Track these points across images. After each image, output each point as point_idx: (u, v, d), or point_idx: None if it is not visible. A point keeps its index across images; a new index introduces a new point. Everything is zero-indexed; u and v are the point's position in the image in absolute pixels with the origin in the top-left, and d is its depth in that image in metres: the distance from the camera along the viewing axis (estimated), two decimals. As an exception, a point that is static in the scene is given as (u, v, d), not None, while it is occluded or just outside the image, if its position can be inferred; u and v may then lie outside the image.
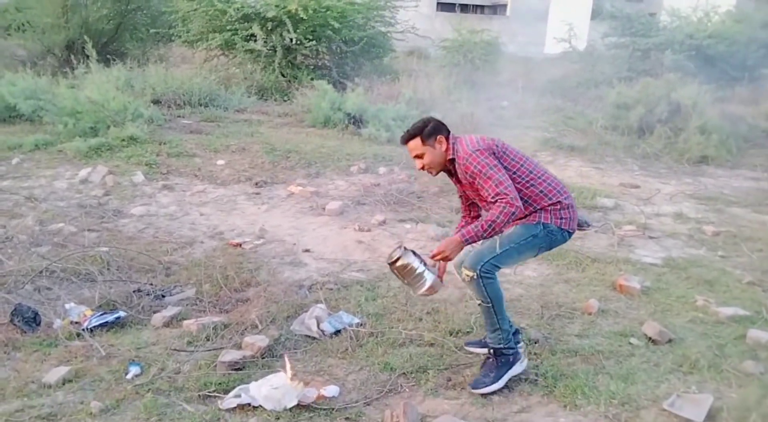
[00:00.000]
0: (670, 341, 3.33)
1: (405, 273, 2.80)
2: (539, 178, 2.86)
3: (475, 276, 2.75)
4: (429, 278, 2.79)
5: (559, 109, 10.24)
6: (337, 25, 10.10)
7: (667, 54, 12.11)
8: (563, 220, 2.89)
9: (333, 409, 2.65)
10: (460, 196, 3.09)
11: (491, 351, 2.89)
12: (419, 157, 2.89)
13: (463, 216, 3.13)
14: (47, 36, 10.99)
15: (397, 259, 2.78)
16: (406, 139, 2.91)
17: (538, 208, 2.86)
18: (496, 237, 2.79)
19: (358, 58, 11.22)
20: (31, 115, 7.21)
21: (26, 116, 7.25)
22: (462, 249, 2.77)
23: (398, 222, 5.19)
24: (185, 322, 3.35)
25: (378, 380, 2.87)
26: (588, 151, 7.87)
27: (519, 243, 2.82)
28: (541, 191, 2.84)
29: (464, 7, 36.55)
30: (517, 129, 9.20)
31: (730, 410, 2.67)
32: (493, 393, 2.80)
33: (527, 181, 2.84)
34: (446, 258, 2.77)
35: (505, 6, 34.91)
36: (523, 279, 4.13)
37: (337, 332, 3.31)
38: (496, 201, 2.69)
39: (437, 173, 2.98)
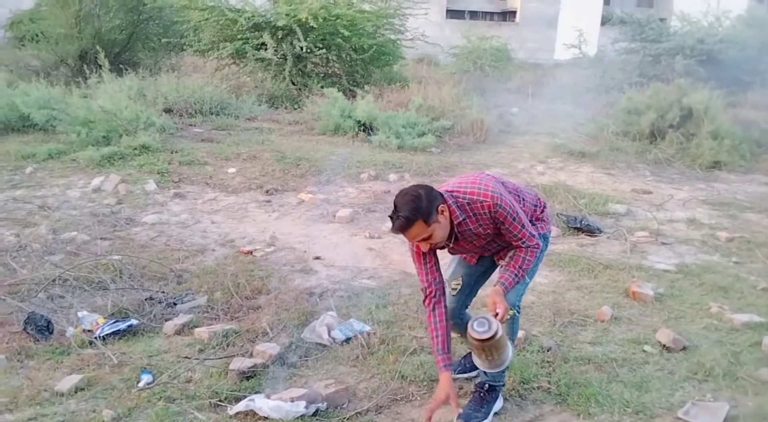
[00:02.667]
0: (684, 348, 3.29)
1: (497, 348, 2.42)
2: (523, 192, 2.72)
3: (516, 312, 2.66)
4: (510, 356, 2.51)
5: (569, 115, 10.21)
6: (347, 33, 10.14)
7: (678, 59, 12.05)
8: (548, 224, 2.84)
9: (344, 418, 2.64)
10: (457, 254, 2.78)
11: (486, 385, 2.70)
12: (426, 239, 2.42)
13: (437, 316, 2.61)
14: (60, 46, 11.10)
15: (495, 334, 2.35)
16: (404, 226, 2.34)
17: (534, 220, 2.74)
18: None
19: (368, 65, 11.25)
20: (45, 125, 7.28)
21: (40, 126, 7.32)
22: None
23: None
24: (197, 330, 3.36)
25: (389, 388, 2.86)
26: (599, 157, 7.84)
27: (536, 265, 2.69)
28: (532, 204, 2.73)
29: (473, 14, 36.59)
30: (527, 135, 9.19)
31: (746, 418, 2.64)
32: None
33: (521, 201, 2.68)
34: (507, 310, 2.49)
35: (514, 12, 34.93)
36: (535, 286, 4.10)
37: (348, 340, 3.31)
38: (528, 245, 2.56)
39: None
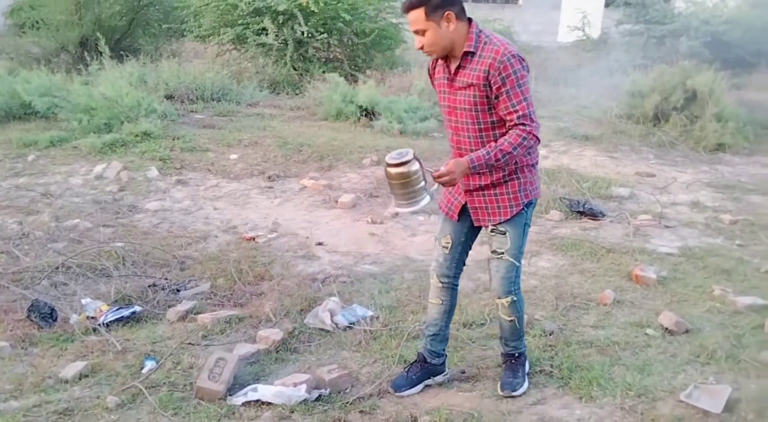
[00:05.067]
0: (687, 331, 3.29)
1: (404, 183, 2.40)
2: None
3: (514, 299, 2.67)
4: (426, 198, 2.44)
5: (573, 98, 10.13)
6: (348, 18, 10.05)
7: (683, 41, 11.91)
8: (537, 189, 2.63)
9: (347, 402, 2.66)
10: (449, 125, 2.58)
11: (514, 354, 2.81)
12: (419, 32, 2.40)
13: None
14: (61, 33, 11.04)
15: (404, 163, 2.37)
16: (408, 7, 2.38)
17: (519, 165, 2.52)
18: (507, 254, 2.59)
19: (370, 50, 11.16)
20: (46, 112, 7.26)
21: (41, 113, 7.30)
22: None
23: (411, 215, 5.17)
24: (200, 316, 3.37)
25: (392, 373, 2.87)
26: (603, 140, 7.79)
27: (522, 242, 2.63)
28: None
29: (476, -3, 36.33)
30: (530, 119, 9.12)
31: (749, 401, 2.64)
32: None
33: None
34: (450, 183, 2.43)
35: (517, -5, 34.62)
36: (538, 270, 4.10)
37: (351, 325, 3.32)
38: (521, 124, 2.36)
39: (438, 58, 2.52)
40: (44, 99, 7.25)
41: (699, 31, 12.13)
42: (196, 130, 7.24)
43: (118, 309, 3.40)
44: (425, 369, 2.80)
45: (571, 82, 11.31)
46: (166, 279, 3.89)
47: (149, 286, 3.76)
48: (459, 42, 2.42)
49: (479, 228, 2.71)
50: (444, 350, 2.85)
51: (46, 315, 3.26)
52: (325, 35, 10.23)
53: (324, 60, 10.94)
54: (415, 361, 2.85)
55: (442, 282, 2.77)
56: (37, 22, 11.91)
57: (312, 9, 9.79)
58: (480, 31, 2.43)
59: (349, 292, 3.73)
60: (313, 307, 3.49)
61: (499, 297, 2.69)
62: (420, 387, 2.78)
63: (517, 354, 2.82)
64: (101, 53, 8.68)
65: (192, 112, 8.14)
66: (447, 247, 2.73)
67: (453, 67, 2.48)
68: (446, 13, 2.35)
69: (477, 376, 2.88)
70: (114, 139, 6.43)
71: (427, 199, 2.45)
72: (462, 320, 3.36)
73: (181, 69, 8.95)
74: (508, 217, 2.56)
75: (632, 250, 4.48)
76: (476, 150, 2.45)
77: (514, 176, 2.54)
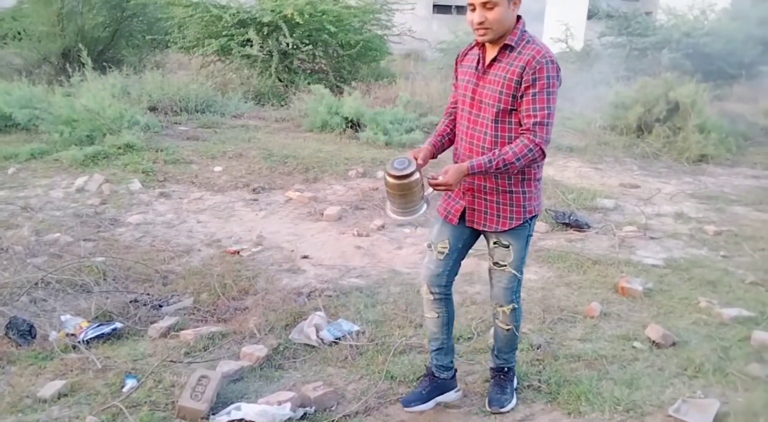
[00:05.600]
0: (674, 344, 3.29)
1: (404, 194, 2.38)
2: None
3: (515, 307, 2.64)
4: (423, 207, 2.43)
5: (556, 109, 10.20)
6: (333, 29, 10.07)
7: (665, 53, 12.08)
8: (540, 205, 2.60)
9: (333, 420, 2.61)
10: (465, 117, 2.50)
11: (503, 368, 2.78)
12: (487, 5, 2.28)
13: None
14: (43, 44, 10.95)
15: (407, 175, 2.32)
16: None
17: (525, 178, 2.47)
18: (509, 267, 2.55)
19: (355, 61, 11.18)
20: (27, 124, 7.16)
21: (22, 125, 7.20)
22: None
23: (397, 227, 5.14)
24: (182, 332, 3.31)
25: (379, 389, 2.83)
26: (587, 152, 7.84)
27: (525, 254, 2.60)
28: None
29: (460, 9, 36.59)
30: (515, 130, 9.16)
31: (737, 415, 2.63)
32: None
33: None
34: (448, 189, 2.36)
35: (501, 7, 34.92)
36: (524, 283, 4.04)
37: (337, 340, 3.27)
38: (532, 131, 2.29)
39: (490, 41, 2.37)
40: (25, 111, 7.15)
41: (681, 44, 12.31)
42: (179, 142, 7.18)
43: (98, 326, 3.33)
44: (435, 384, 2.73)
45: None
46: (148, 294, 3.82)
47: (131, 302, 3.69)
48: (509, 31, 2.35)
49: (478, 235, 2.64)
50: (451, 362, 2.77)
51: (25, 333, 3.18)
52: (311, 47, 10.23)
53: (309, 71, 10.94)
54: (424, 375, 2.80)
55: (433, 293, 2.66)
56: (19, 33, 11.80)
57: (297, 21, 9.79)
58: (525, 30, 2.38)
59: (335, 306, 3.69)
60: (298, 322, 3.44)
61: (500, 305, 2.65)
62: (431, 404, 2.69)
63: (506, 369, 2.78)
64: (84, 64, 8.59)
65: (176, 123, 8.08)
66: (443, 253, 2.61)
67: (489, 57, 2.41)
68: None
69: (464, 391, 2.84)
70: (96, 152, 6.34)
71: (424, 208, 2.45)
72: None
73: (165, 80, 8.90)
74: (506, 228, 2.50)
75: (618, 262, 4.48)
76: (488, 147, 2.40)
77: (520, 189, 2.47)
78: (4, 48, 12.82)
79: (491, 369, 2.83)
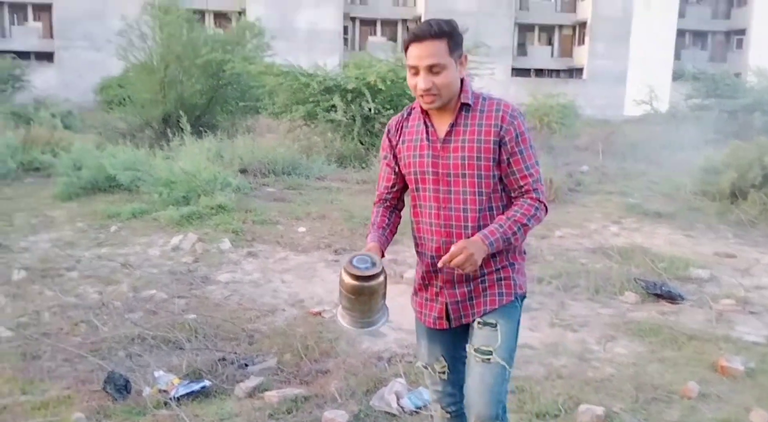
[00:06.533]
0: (783, 432, 3.03)
1: (368, 299, 1.98)
2: None
3: (508, 367, 2.08)
4: (385, 316, 2.03)
5: (642, 173, 9.96)
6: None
7: (757, 115, 11.65)
8: (526, 282, 2.21)
9: (415, 495, 2.55)
10: (431, 198, 2.11)
11: None
12: (434, 71, 1.97)
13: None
14: (146, 110, 11.88)
15: (373, 277, 1.92)
16: (427, 34, 1.95)
17: (514, 248, 2.11)
18: (496, 355, 2.04)
19: (435, 125, 11.42)
20: (130, 185, 7.72)
21: (125, 186, 7.76)
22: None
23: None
24: (267, 393, 3.37)
25: (461, 464, 2.75)
26: (677, 218, 7.55)
27: (515, 342, 2.13)
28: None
29: (539, 72, 36.85)
30: (598, 194, 8.99)
31: None
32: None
33: None
34: (465, 262, 1.92)
35: (581, 69, 34.91)
36: (614, 357, 3.92)
37: (418, 409, 3.23)
38: (534, 190, 2.03)
39: (439, 108, 2.06)
40: (128, 173, 7.72)
41: (774, 106, 11.84)
42: (267, 203, 7.49)
43: (188, 384, 3.44)
44: None
45: (640, 157, 11.15)
46: (235, 353, 3.93)
47: (219, 360, 3.80)
48: (456, 93, 2.06)
49: (466, 339, 2.16)
50: None
51: (121, 387, 3.34)
52: (392, 111, 10.57)
53: (390, 135, 11.24)
54: None
55: (450, 413, 2.26)
56: (124, 100, 12.88)
57: (379, 87, 10.19)
58: (473, 89, 2.13)
59: (416, 373, 3.65)
60: (378, 388, 3.43)
61: (480, 418, 2.03)
62: None
63: None
64: (182, 129, 9.23)
65: (264, 185, 8.46)
66: (444, 372, 2.22)
67: (443, 124, 2.08)
68: (464, 54, 2.04)
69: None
70: (191, 212, 6.72)
71: (384, 318, 2.03)
72: (534, 409, 3.21)
73: (255, 144, 9.42)
74: (496, 307, 2.08)
75: (716, 338, 4.22)
76: (473, 227, 2.04)
77: (507, 263, 2.11)
78: (111, 113, 14.00)
79: None
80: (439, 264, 1.97)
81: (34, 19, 34.06)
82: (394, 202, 2.31)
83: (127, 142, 9.26)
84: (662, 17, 33.10)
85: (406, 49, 2.02)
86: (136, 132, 11.85)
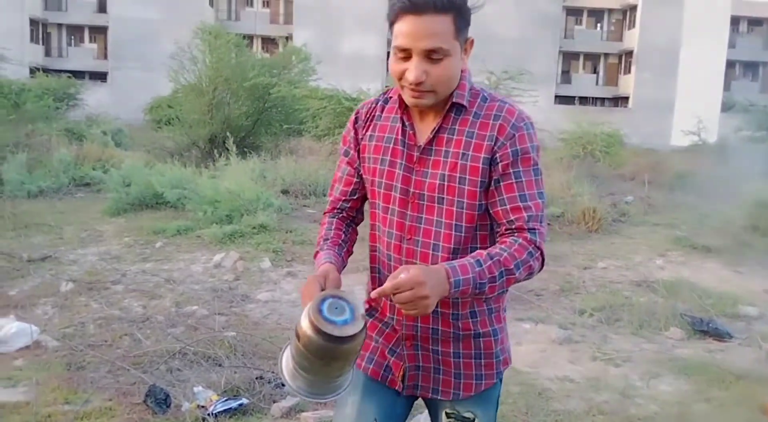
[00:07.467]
0: (840, 483, 2.88)
1: (337, 362, 1.34)
2: None
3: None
4: (347, 381, 1.43)
5: (690, 205, 9.71)
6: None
7: (812, 149, 11.28)
8: (510, 350, 1.68)
9: None
10: (394, 221, 1.59)
11: None
12: (432, 58, 1.40)
13: (336, 227, 1.75)
14: (193, 130, 12.20)
15: (358, 334, 1.30)
16: (432, 5, 1.37)
17: (493, 309, 1.58)
18: None
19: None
20: (176, 203, 7.91)
21: (171, 203, 7.96)
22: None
23: (516, 321, 5.02)
24: (303, 415, 3.37)
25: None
26: (726, 253, 7.32)
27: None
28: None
29: (583, 100, 36.55)
30: (644, 226, 8.80)
31: None
32: None
33: None
34: (415, 304, 1.30)
35: (627, 98, 34.51)
36: (658, 395, 3.79)
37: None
38: (529, 230, 1.45)
39: (432, 104, 1.49)
40: (175, 190, 7.92)
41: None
42: (307, 224, 7.57)
43: (226, 400, 3.47)
44: None
45: (689, 188, 10.89)
46: (272, 372, 3.95)
47: (257, 378, 3.82)
48: (453, 89, 1.50)
49: (413, 402, 1.69)
50: None
51: (161, 401, 3.39)
52: (433, 136, 10.61)
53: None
54: None
55: None
56: (172, 119, 13.27)
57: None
58: (472, 82, 1.55)
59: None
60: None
61: None
62: None
63: None
64: (228, 149, 9.44)
65: (304, 206, 8.56)
66: None
67: (426, 126, 1.54)
68: (470, 38, 1.48)
69: None
70: (233, 230, 6.84)
71: (348, 381, 1.43)
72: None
73: (297, 166, 9.55)
74: (471, 394, 1.58)
75: (765, 379, 4.05)
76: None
77: (489, 328, 1.58)
78: (159, 132, 14.44)
79: None
80: (373, 295, 1.39)
81: (90, 41, 35.81)
82: (351, 214, 1.78)
83: (174, 160, 9.52)
84: (711, 47, 32.56)
85: (392, 22, 1.46)
86: (183, 151, 12.17)
